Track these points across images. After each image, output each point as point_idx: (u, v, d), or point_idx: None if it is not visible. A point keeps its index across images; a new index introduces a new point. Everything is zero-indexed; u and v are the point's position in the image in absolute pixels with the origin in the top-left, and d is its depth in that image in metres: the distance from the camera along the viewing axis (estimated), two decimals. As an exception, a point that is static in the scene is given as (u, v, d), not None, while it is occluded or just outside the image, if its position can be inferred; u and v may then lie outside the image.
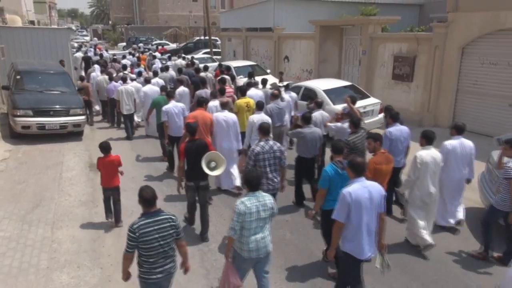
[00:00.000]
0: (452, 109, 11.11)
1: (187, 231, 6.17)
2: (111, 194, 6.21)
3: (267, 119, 7.14)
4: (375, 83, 13.45)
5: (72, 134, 10.94)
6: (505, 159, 5.41)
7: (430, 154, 5.32)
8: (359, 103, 9.91)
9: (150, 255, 3.57)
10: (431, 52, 11.25)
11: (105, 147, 6.04)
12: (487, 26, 9.91)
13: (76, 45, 28.97)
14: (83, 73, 15.07)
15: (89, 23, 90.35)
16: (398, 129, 6.30)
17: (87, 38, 53.51)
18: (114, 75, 12.30)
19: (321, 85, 10.92)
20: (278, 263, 5.34)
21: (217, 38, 32.04)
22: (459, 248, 5.67)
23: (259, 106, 7.47)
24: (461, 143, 5.75)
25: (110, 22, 70.87)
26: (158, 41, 38.21)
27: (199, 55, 23.44)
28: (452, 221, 5.99)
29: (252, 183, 4.02)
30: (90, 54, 20.15)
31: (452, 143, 5.74)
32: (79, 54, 19.54)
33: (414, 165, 5.34)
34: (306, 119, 6.68)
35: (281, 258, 5.47)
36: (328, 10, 19.50)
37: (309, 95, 10.32)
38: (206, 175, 5.60)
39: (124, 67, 14.72)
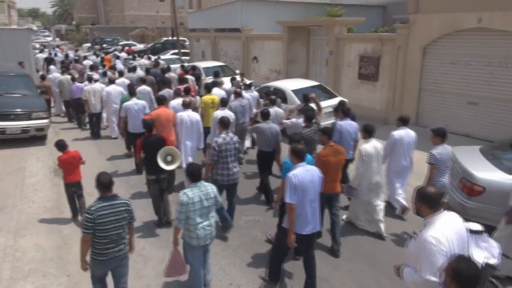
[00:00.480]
0: (416, 107, 11.50)
1: (162, 236, 6.11)
2: (74, 190, 6.38)
3: (230, 115, 7.46)
4: (342, 83, 13.73)
5: (35, 138, 10.56)
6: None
7: (372, 145, 5.90)
8: (327, 103, 10.14)
9: (104, 236, 3.81)
10: (394, 52, 11.60)
11: (61, 145, 6.24)
12: (446, 27, 10.33)
13: (38, 46, 28.45)
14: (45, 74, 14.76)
15: (51, 23, 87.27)
16: (348, 123, 6.75)
17: (50, 39, 51.76)
18: (76, 76, 12.59)
19: (289, 85, 11.05)
20: (250, 263, 5.38)
21: (185, 38, 31.75)
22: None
23: (224, 103, 7.91)
24: (407, 132, 6.47)
25: (73, 22, 68.78)
26: (125, 42, 37.43)
27: (168, 55, 23.17)
28: (403, 201, 6.49)
29: (193, 175, 4.33)
30: (56, 55, 20.32)
31: (399, 133, 6.44)
32: (41, 55, 19.35)
33: (360, 158, 5.84)
34: (265, 115, 7.00)
35: (253, 258, 5.51)
36: (295, 11, 19.72)
37: (278, 95, 10.43)
38: (163, 169, 5.81)
39: (92, 67, 14.66)
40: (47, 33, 62.98)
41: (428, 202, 3.24)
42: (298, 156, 4.40)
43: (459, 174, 6.00)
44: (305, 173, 4.31)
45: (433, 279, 2.98)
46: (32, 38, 19.05)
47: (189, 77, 12.04)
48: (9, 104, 10.34)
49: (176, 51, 25.01)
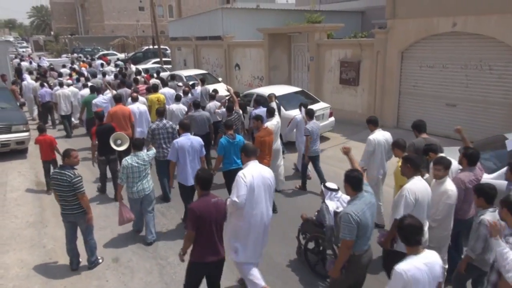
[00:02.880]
0: (396, 110, 11.73)
1: (150, 247, 6.06)
2: (49, 166, 7.98)
3: (184, 108, 9.42)
4: (324, 88, 13.91)
5: (16, 152, 10.36)
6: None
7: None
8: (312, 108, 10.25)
9: (59, 197, 5.13)
10: (373, 57, 11.83)
11: (40, 128, 8.00)
12: (422, 32, 10.61)
13: (13, 56, 28.70)
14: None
15: (29, 34, 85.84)
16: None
17: (28, 50, 50.90)
18: (51, 82, 14.30)
19: (272, 91, 11.12)
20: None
21: (166, 47, 31.65)
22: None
23: (177, 99, 9.73)
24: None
25: (52, 32, 67.79)
26: (105, 52, 37.08)
27: (149, 64, 23.04)
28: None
29: (135, 145, 6.03)
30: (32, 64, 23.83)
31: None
32: (25, 64, 22.98)
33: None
34: (196, 105, 8.72)
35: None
36: (275, 18, 19.92)
37: (261, 102, 10.60)
38: (114, 150, 7.31)
39: (60, 74, 15.91)
40: (24, 44, 61.88)
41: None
42: (184, 128, 6.32)
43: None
44: (186, 140, 6.05)
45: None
46: (9, 50, 19.00)
47: (137, 77, 13.69)
48: (-13, 118, 10.14)
49: (158, 59, 24.92)
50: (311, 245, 5.32)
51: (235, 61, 18.97)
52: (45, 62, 26.41)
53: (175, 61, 25.38)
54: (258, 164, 4.61)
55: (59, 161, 6.53)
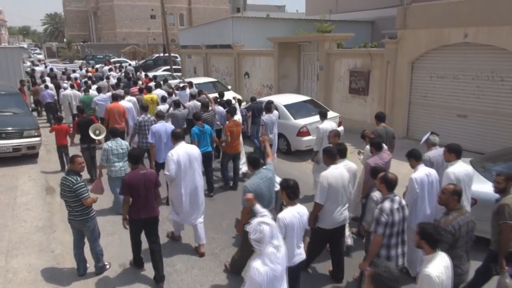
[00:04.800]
0: (406, 121, 11.66)
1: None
2: (63, 150, 9.54)
3: (166, 107, 10.48)
4: (333, 97, 13.89)
5: (27, 156, 10.47)
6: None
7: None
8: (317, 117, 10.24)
9: (65, 202, 5.22)
10: (383, 67, 11.80)
11: (59, 119, 9.63)
12: (433, 42, 10.57)
13: (29, 63, 29.71)
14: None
15: (42, 41, 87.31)
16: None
17: (41, 56, 51.78)
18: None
19: (281, 100, 11.15)
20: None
21: (176, 55, 31.95)
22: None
23: (163, 100, 11.28)
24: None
25: (64, 39, 68.88)
26: (117, 59, 37.53)
27: (159, 72, 23.27)
28: None
29: (113, 133, 7.23)
30: (44, 68, 25.18)
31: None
32: (39, 68, 24.42)
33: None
34: (176, 104, 10.00)
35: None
36: (285, 27, 20.02)
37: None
38: (93, 139, 8.60)
39: (68, 78, 18.31)
40: (38, 51, 62.94)
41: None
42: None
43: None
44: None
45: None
46: (23, 56, 19.39)
47: (153, 83, 15.15)
48: (0, 123, 10.27)
49: (168, 67, 25.15)
50: None
51: (244, 69, 19.06)
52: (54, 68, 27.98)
53: (185, 69, 25.58)
54: (185, 144, 5.93)
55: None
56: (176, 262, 5.78)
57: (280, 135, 10.73)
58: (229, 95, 12.46)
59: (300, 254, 4.24)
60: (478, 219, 4.69)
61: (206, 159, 7.61)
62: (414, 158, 5.18)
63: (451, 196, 3.98)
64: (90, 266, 5.58)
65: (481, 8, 9.40)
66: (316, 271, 5.52)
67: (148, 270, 5.59)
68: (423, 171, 5.06)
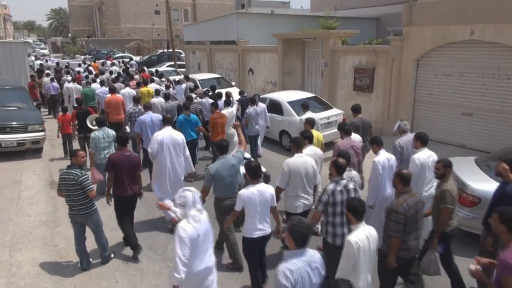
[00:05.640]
0: (411, 118, 11.59)
1: (159, 249, 6.07)
2: (67, 139, 9.99)
3: (162, 101, 10.68)
4: (338, 94, 13.84)
5: (31, 151, 10.52)
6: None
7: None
8: (322, 114, 10.23)
9: (67, 197, 5.22)
10: (388, 64, 11.73)
11: (64, 109, 10.22)
12: (438, 40, 10.49)
13: (33, 58, 30.09)
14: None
15: (47, 36, 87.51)
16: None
17: (45, 51, 51.92)
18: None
19: (285, 97, 11.13)
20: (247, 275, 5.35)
21: (180, 51, 31.92)
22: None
23: (157, 93, 11.62)
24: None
25: (69, 35, 68.99)
26: (121, 54, 37.57)
27: (163, 68, 23.28)
28: None
29: (100, 123, 7.56)
30: (49, 63, 26.67)
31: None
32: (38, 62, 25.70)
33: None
34: (166, 97, 10.64)
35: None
36: (290, 23, 19.93)
37: (274, 107, 10.96)
38: (90, 129, 8.73)
39: (68, 72, 18.85)
40: (42, 46, 63.09)
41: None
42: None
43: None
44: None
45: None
46: (28, 51, 19.48)
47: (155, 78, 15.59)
48: (4, 117, 10.31)
49: (172, 63, 25.14)
50: None
51: (248, 65, 19.02)
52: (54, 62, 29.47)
53: (189, 65, 25.56)
54: (171, 129, 6.66)
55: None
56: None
57: (284, 132, 10.72)
58: (233, 91, 12.56)
59: (263, 229, 4.60)
60: (481, 217, 4.68)
61: (191, 145, 8.50)
62: (376, 144, 5.71)
63: (396, 179, 4.35)
64: (93, 261, 5.60)
65: (488, 5, 9.31)
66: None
67: (151, 264, 5.61)
68: (384, 155, 5.56)
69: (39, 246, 6.09)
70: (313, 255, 3.12)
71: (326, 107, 11.11)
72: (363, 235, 3.61)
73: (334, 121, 10.52)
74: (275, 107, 10.96)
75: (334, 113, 10.73)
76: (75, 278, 5.30)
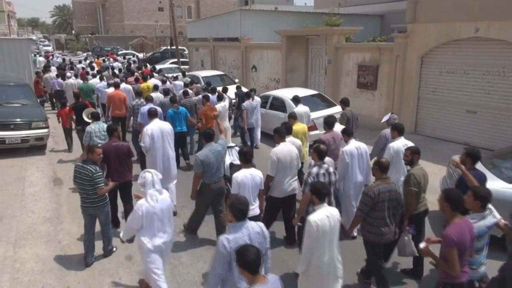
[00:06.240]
0: (415, 116, 11.54)
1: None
2: (67, 132, 10.57)
3: (160, 95, 11.08)
4: (341, 92, 13.77)
5: (35, 148, 10.55)
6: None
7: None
8: (326, 112, 10.19)
9: (81, 190, 5.35)
10: (392, 61, 11.67)
11: (63, 103, 10.71)
12: (443, 37, 10.42)
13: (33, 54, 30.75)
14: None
15: (51, 33, 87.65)
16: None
17: (49, 48, 52.01)
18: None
19: (288, 94, 11.09)
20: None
21: (184, 48, 31.88)
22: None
23: (155, 88, 11.95)
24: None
25: (73, 31, 69.06)
26: (124, 51, 37.59)
27: (167, 65, 23.26)
28: None
29: (94, 117, 7.76)
30: (55, 59, 27.74)
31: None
32: (42, 59, 26.44)
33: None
34: (165, 92, 10.88)
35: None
36: (293, 20, 19.87)
37: (277, 104, 11.00)
38: (87, 122, 8.76)
39: (71, 68, 19.87)
40: (46, 43, 63.21)
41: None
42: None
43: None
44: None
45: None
46: (32, 48, 19.52)
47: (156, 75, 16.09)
48: (9, 114, 10.35)
49: (175, 60, 25.13)
50: None
51: (252, 62, 18.99)
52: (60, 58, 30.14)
53: (193, 62, 25.55)
54: (159, 121, 7.16)
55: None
56: (182, 255, 5.80)
57: (287, 129, 10.74)
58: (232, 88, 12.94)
59: (253, 209, 4.96)
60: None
61: (181, 137, 8.99)
62: (346, 134, 6.20)
63: (374, 167, 4.69)
64: (96, 257, 5.62)
65: (493, 2, 9.23)
66: (274, 235, 6.12)
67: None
68: (353, 145, 6.03)
69: (43, 243, 6.12)
70: (252, 226, 3.54)
71: (330, 104, 11.08)
72: (323, 215, 3.93)
73: (338, 118, 10.45)
74: (278, 104, 10.95)
75: (338, 110, 10.67)
76: (78, 275, 5.32)
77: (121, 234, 4.61)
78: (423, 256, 4.76)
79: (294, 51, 16.15)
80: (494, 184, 5.56)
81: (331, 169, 5.10)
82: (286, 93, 11.23)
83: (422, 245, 3.75)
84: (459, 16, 9.92)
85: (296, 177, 5.87)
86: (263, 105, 11.22)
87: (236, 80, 16.87)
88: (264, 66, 18.13)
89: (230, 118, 11.36)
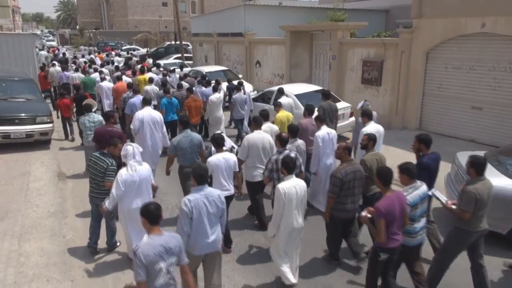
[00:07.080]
0: (419, 112, 11.48)
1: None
2: (66, 121, 11.10)
3: (156, 88, 11.59)
4: (345, 87, 13.72)
5: (39, 142, 10.59)
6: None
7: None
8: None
9: (92, 179, 5.50)
10: (397, 57, 11.59)
11: (62, 94, 11.28)
12: (449, 32, 10.33)
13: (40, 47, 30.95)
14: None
15: (55, 28, 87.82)
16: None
17: (54, 43, 52.11)
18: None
19: (292, 89, 11.05)
20: (254, 268, 5.35)
21: (188, 43, 31.83)
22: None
23: (151, 81, 12.17)
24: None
25: (77, 26, 69.15)
26: (128, 46, 37.62)
27: (171, 60, 23.25)
28: None
29: (87, 108, 8.13)
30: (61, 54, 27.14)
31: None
32: (44, 53, 26.76)
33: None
34: (163, 84, 11.52)
35: (257, 263, 5.49)
36: (297, 15, 19.77)
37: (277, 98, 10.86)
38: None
39: (74, 62, 19.59)
40: (51, 38, 63.34)
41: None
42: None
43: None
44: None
45: None
46: (36, 43, 19.54)
47: (154, 69, 16.74)
48: (13, 109, 10.39)
49: (179, 55, 25.10)
50: None
51: (256, 58, 18.93)
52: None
53: (197, 57, 25.51)
54: (150, 108, 7.73)
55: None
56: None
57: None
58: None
59: (228, 190, 5.36)
60: (489, 213, 4.61)
61: (172, 126, 9.70)
62: (319, 120, 6.81)
63: (343, 151, 5.05)
64: (99, 251, 5.65)
65: (500, -3, 9.14)
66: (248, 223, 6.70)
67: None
68: (325, 130, 6.62)
69: (47, 237, 6.15)
70: (211, 191, 4.10)
71: (334, 100, 11.01)
72: (290, 185, 4.50)
73: (342, 114, 10.43)
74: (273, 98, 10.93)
75: (342, 106, 10.63)
76: (82, 269, 5.35)
77: (106, 203, 4.94)
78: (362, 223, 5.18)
79: (298, 46, 16.08)
80: (499, 181, 5.51)
81: (292, 154, 5.43)
82: (290, 89, 11.17)
83: (363, 213, 4.30)
84: (465, 11, 9.83)
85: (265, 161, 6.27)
86: (267, 101, 11.21)
87: (240, 76, 16.82)
88: (268, 61, 18.07)
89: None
